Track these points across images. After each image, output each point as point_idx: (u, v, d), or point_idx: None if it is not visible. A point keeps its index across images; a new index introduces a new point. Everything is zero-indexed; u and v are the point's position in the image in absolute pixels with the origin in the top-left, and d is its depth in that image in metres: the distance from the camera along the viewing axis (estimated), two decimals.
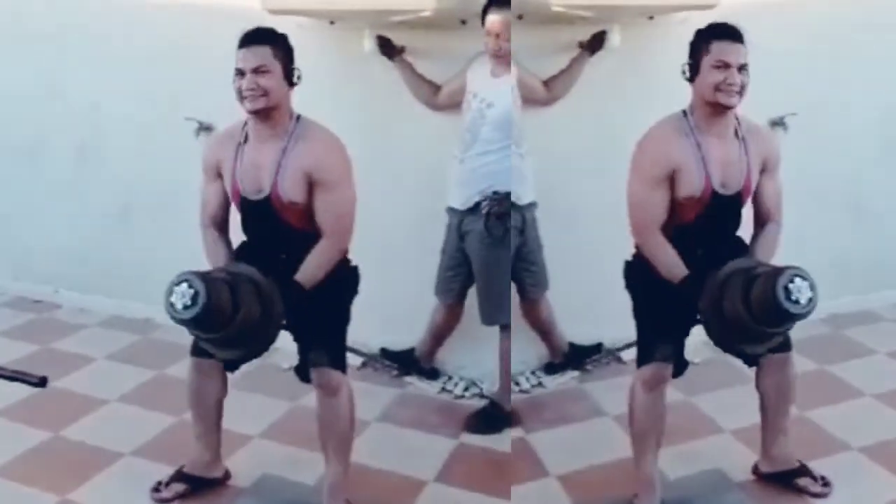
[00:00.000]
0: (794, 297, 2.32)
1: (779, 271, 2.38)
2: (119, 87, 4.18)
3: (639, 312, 2.77)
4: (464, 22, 3.33)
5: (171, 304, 2.33)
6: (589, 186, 3.54)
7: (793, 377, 2.78)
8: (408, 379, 3.71)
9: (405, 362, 3.74)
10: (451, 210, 3.38)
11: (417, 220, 3.64)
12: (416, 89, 3.53)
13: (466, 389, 3.64)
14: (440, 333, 3.64)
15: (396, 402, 3.56)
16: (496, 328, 3.38)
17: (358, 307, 2.78)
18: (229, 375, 2.82)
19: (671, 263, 2.62)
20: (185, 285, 2.33)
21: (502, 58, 3.20)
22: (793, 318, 2.38)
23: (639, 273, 2.74)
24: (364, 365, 3.75)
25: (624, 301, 2.77)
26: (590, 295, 3.59)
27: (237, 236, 2.79)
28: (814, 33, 3.82)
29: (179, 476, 2.86)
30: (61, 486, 2.89)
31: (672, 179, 2.60)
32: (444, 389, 3.66)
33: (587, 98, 3.57)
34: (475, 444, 3.26)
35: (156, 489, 2.84)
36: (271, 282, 2.54)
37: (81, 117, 4.35)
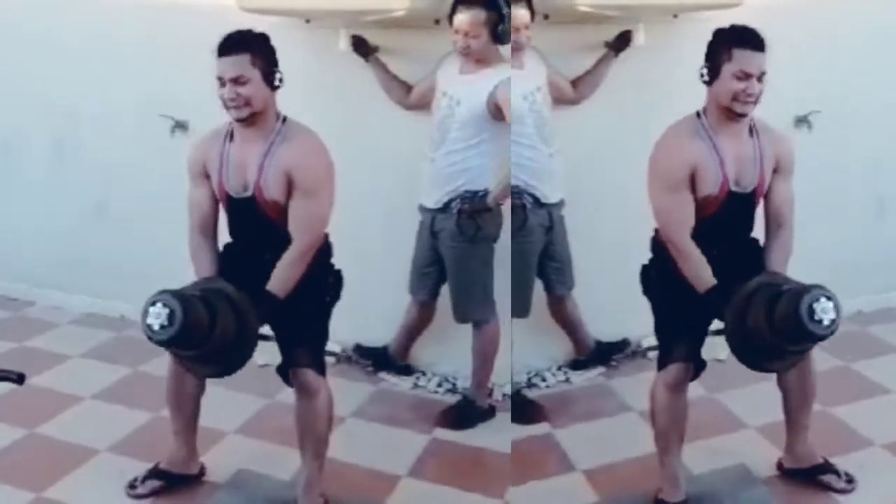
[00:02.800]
0: (817, 318, 2.30)
1: (804, 290, 2.35)
2: (95, 84, 4.17)
3: (657, 315, 2.79)
4: (437, 21, 3.35)
5: (148, 325, 2.30)
6: (614, 184, 3.56)
7: (813, 374, 2.79)
8: (382, 375, 3.74)
9: (379, 359, 3.76)
10: (423, 209, 3.41)
11: (392, 217, 3.66)
12: (388, 89, 3.55)
13: (440, 385, 3.67)
14: (413, 330, 3.67)
15: (370, 398, 3.59)
16: (469, 325, 3.41)
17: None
18: None
19: (700, 270, 2.62)
20: (160, 305, 2.30)
21: (470, 55, 3.22)
22: (815, 338, 2.37)
23: (656, 277, 2.76)
24: (339, 361, 3.77)
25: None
26: (615, 292, 3.56)
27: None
28: (836, 30, 3.84)
29: (155, 472, 2.88)
30: (36, 483, 2.89)
31: (692, 180, 2.61)
32: (417, 385, 3.69)
33: (613, 97, 3.60)
34: (448, 439, 3.30)
35: (131, 486, 2.85)
36: (246, 297, 2.53)
37: (57, 114, 4.33)
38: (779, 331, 2.40)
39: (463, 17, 3.17)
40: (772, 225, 2.73)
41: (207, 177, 2.72)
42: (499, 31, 3.18)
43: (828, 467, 2.85)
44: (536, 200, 3.33)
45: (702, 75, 2.60)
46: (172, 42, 3.88)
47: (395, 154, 3.66)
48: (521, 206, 3.30)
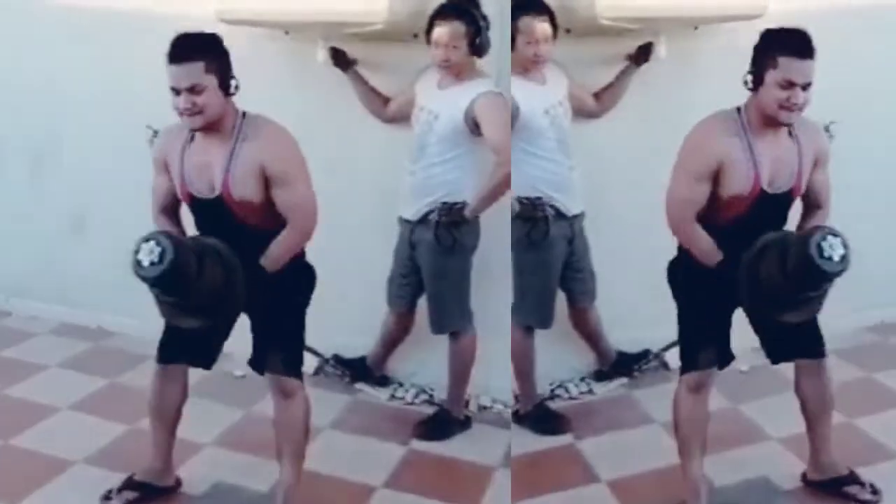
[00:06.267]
0: (826, 254, 2.32)
1: (812, 231, 2.39)
2: (76, 95, 4.17)
3: (682, 315, 2.79)
4: (415, 35, 3.37)
5: (138, 261, 2.32)
6: (636, 196, 3.58)
7: (830, 382, 2.79)
8: (359, 386, 3.75)
9: (357, 369, 3.77)
10: (401, 220, 3.42)
11: (371, 228, 3.67)
12: (367, 101, 3.57)
13: (417, 396, 3.69)
14: (391, 341, 3.68)
15: (348, 408, 3.60)
16: (446, 336, 3.43)
17: (311, 313, 2.81)
18: None
19: (708, 249, 2.64)
20: (152, 243, 2.33)
21: (450, 68, 3.24)
22: (827, 276, 2.37)
23: (681, 270, 2.77)
24: (317, 372, 3.78)
25: (670, 309, 2.81)
26: (637, 303, 3.63)
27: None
28: (857, 39, 3.83)
29: (130, 484, 2.86)
30: (11, 494, 2.88)
31: (717, 176, 2.60)
32: (394, 396, 3.70)
33: (634, 109, 3.62)
34: (425, 450, 3.31)
35: (106, 497, 2.84)
36: (234, 254, 2.55)
37: (36, 125, 4.33)
38: (792, 276, 2.43)
39: (443, 30, 3.18)
40: (809, 208, 2.76)
41: (167, 170, 2.73)
42: (477, 43, 3.20)
43: (853, 479, 2.83)
44: (558, 212, 3.34)
45: (745, 82, 2.58)
46: (152, 53, 3.86)
47: (373, 165, 3.68)
48: (544, 218, 3.30)
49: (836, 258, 2.33)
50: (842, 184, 2.84)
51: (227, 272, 2.53)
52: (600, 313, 3.66)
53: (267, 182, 2.62)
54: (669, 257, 2.82)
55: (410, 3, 3.30)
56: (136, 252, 2.33)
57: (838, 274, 2.36)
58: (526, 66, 3.28)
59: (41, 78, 4.25)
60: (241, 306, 2.63)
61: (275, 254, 2.65)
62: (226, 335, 2.81)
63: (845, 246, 2.35)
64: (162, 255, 2.32)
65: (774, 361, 2.85)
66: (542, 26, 3.22)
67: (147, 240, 2.35)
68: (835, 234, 2.35)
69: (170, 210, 2.79)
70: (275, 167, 2.61)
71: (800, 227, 2.76)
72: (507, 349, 3.43)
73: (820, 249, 2.33)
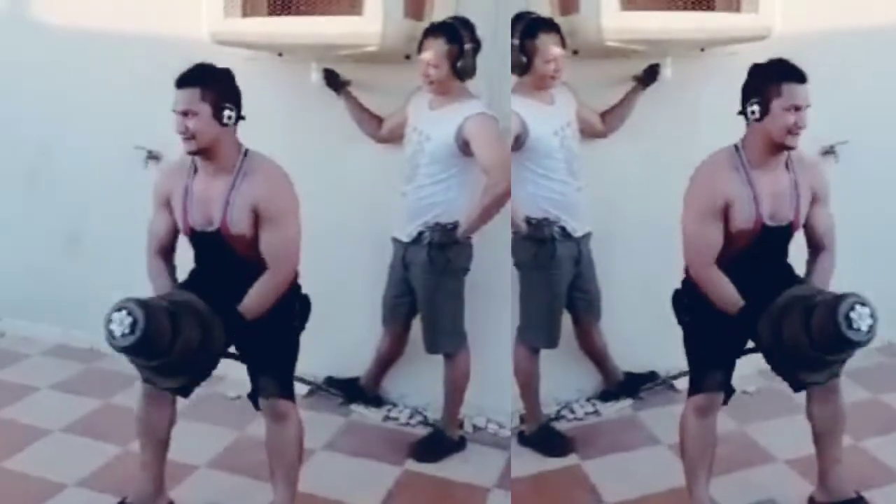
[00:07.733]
0: (855, 325, 2.30)
1: (839, 298, 2.35)
2: (69, 115, 4.18)
3: (689, 341, 2.80)
4: (408, 57, 3.39)
5: (110, 332, 2.31)
6: (642, 216, 3.62)
7: (842, 404, 2.77)
8: (353, 407, 3.74)
9: (350, 390, 3.77)
10: (395, 241, 3.42)
11: (364, 249, 3.68)
12: (360, 122, 3.58)
13: (411, 417, 3.68)
14: (385, 361, 3.68)
15: (341, 430, 3.59)
16: (440, 356, 3.42)
17: (305, 335, 2.82)
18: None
19: (727, 295, 2.65)
20: (123, 312, 2.31)
21: (434, 85, 3.23)
22: (854, 345, 2.36)
23: (688, 301, 2.77)
24: (310, 394, 3.77)
25: (677, 330, 2.82)
26: (644, 324, 3.62)
27: (186, 265, 2.81)
28: (863, 59, 3.87)
29: None
30: None
31: (725, 212, 2.64)
32: (388, 417, 3.69)
33: (640, 130, 3.64)
34: (419, 471, 3.30)
35: None
36: (211, 310, 2.56)
37: (31, 145, 4.34)
38: (817, 341, 2.41)
39: (427, 47, 3.20)
40: (813, 249, 2.77)
41: (169, 206, 2.76)
42: (458, 66, 3.20)
43: (860, 502, 2.81)
44: (565, 233, 3.34)
45: (753, 112, 2.62)
46: (146, 74, 3.89)
47: (366, 186, 3.69)
48: (551, 239, 3.30)
49: (864, 328, 2.31)
50: (846, 203, 2.85)
51: (202, 330, 2.51)
52: (606, 334, 3.67)
53: (258, 220, 2.65)
54: (675, 277, 2.82)
55: (403, 26, 3.31)
56: (109, 322, 2.31)
57: (865, 344, 2.35)
58: (540, 84, 3.29)
59: (36, 97, 4.26)
60: (218, 359, 2.62)
61: (252, 301, 2.66)
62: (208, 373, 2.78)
63: (873, 316, 2.33)
64: (133, 326, 2.29)
65: (797, 390, 2.78)
66: (550, 46, 3.22)
67: (119, 309, 2.31)
68: (863, 304, 2.33)
69: (165, 251, 2.81)
70: (267, 207, 2.65)
71: (808, 269, 2.78)
72: (502, 369, 3.44)
73: (849, 320, 2.31)
